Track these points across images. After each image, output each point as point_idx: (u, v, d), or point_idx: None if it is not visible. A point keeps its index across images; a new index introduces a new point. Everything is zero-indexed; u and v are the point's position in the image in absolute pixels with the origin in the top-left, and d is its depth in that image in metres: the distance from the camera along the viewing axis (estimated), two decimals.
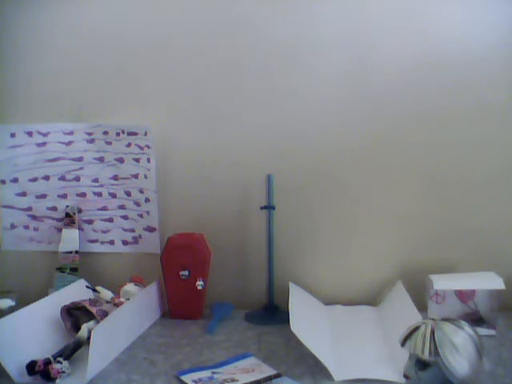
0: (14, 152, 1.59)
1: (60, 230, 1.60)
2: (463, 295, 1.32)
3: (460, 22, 1.45)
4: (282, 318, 1.32)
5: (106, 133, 1.57)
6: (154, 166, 1.55)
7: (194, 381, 1.10)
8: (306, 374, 1.12)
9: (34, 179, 1.60)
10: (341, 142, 1.52)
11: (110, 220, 1.62)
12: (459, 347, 0.89)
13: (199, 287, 1.45)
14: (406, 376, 0.94)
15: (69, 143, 1.59)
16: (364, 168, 1.52)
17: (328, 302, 1.52)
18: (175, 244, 1.47)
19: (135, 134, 1.55)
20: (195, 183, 1.57)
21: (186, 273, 1.46)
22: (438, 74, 1.46)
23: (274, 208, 1.49)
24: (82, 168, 1.60)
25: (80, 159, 1.59)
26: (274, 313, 1.48)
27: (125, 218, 1.61)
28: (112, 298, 1.37)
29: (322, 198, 1.54)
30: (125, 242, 1.62)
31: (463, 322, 0.93)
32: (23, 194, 1.62)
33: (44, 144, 1.59)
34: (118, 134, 1.57)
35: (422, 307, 1.29)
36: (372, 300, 1.52)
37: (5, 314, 1.21)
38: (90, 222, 1.62)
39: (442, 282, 1.34)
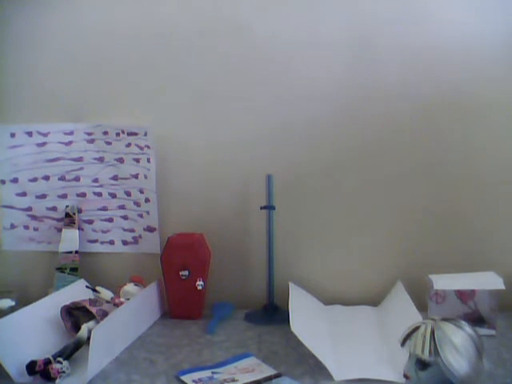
0: (14, 152, 1.59)
1: (60, 230, 1.60)
2: (463, 295, 1.32)
3: (461, 19, 1.45)
4: (282, 318, 1.31)
5: (105, 133, 1.57)
6: (153, 166, 1.55)
7: (194, 381, 1.10)
8: (306, 374, 1.12)
9: (34, 179, 1.60)
10: (341, 141, 1.52)
11: (110, 220, 1.62)
12: (459, 347, 0.89)
13: (199, 287, 1.45)
14: (405, 376, 0.94)
15: (69, 143, 1.59)
16: (364, 168, 1.52)
17: (328, 301, 1.52)
18: (175, 244, 1.47)
19: (135, 134, 1.55)
20: (195, 183, 1.57)
21: (186, 273, 1.46)
22: (437, 73, 1.46)
23: (274, 208, 1.49)
24: (81, 168, 1.60)
25: (80, 159, 1.59)
26: (273, 313, 1.48)
27: (125, 218, 1.61)
28: (112, 298, 1.37)
29: (321, 198, 1.54)
30: (125, 242, 1.62)
31: (463, 322, 0.93)
32: (23, 194, 1.62)
33: (44, 144, 1.59)
34: (117, 134, 1.56)
35: (422, 307, 1.29)
36: (372, 300, 1.52)
37: (5, 314, 1.21)
38: (90, 222, 1.62)
39: (442, 282, 1.34)
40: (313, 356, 1.12)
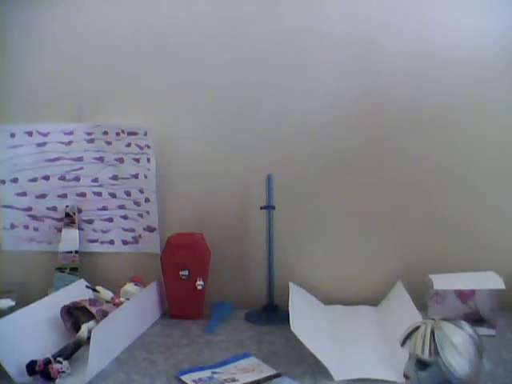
0: (14, 152, 1.59)
1: (60, 230, 1.60)
2: (463, 295, 1.32)
3: (461, 23, 1.44)
4: (282, 318, 1.32)
5: (105, 133, 1.57)
6: (153, 165, 1.55)
7: (194, 381, 1.10)
8: (306, 374, 1.12)
9: (34, 179, 1.60)
10: (341, 141, 1.51)
11: (110, 220, 1.61)
12: (459, 347, 0.89)
13: (199, 287, 1.45)
14: (405, 376, 0.94)
15: (69, 143, 1.59)
16: (364, 168, 1.52)
17: (328, 301, 1.52)
18: (175, 244, 1.47)
19: (135, 134, 1.55)
20: (195, 183, 1.57)
21: (186, 273, 1.46)
22: (439, 75, 1.46)
23: (273, 208, 1.49)
24: (81, 168, 1.60)
25: (80, 159, 1.59)
26: (273, 313, 1.48)
27: (125, 217, 1.61)
28: (112, 298, 1.37)
29: (321, 198, 1.54)
30: (125, 242, 1.62)
31: (463, 322, 0.93)
32: (23, 194, 1.61)
33: (44, 144, 1.59)
34: (117, 134, 1.56)
35: (422, 307, 1.29)
36: (372, 300, 1.52)
37: (5, 314, 1.21)
38: (90, 221, 1.62)
39: (442, 282, 1.34)
40: (313, 356, 1.12)
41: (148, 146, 1.54)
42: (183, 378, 1.11)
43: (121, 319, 1.26)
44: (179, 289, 1.46)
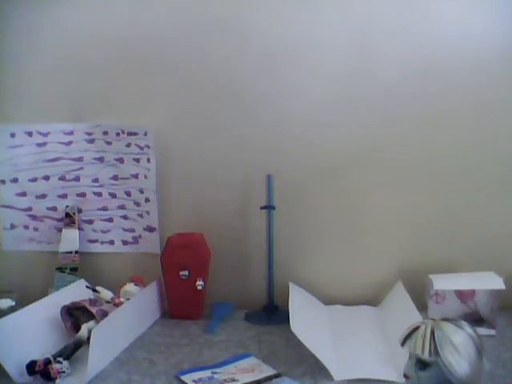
0: (14, 152, 1.59)
1: (60, 230, 1.60)
2: (463, 295, 1.32)
3: (460, 23, 1.44)
4: (282, 317, 1.32)
5: (105, 133, 1.57)
6: (153, 166, 1.55)
7: (194, 381, 1.10)
8: (306, 374, 1.12)
9: (34, 179, 1.60)
10: (341, 142, 1.51)
11: (110, 220, 1.62)
12: (459, 347, 0.89)
13: (199, 287, 1.45)
14: (405, 376, 0.94)
15: (69, 143, 1.59)
16: (364, 168, 1.52)
17: (328, 302, 1.52)
18: (175, 244, 1.47)
19: (135, 134, 1.55)
20: (195, 183, 1.57)
21: (186, 273, 1.46)
22: (438, 75, 1.46)
23: (273, 208, 1.49)
24: (81, 168, 1.60)
25: (80, 159, 1.59)
26: (273, 313, 1.48)
27: (125, 217, 1.61)
28: (112, 298, 1.37)
29: (321, 198, 1.54)
30: (125, 242, 1.62)
31: (463, 322, 0.93)
32: (23, 194, 1.61)
33: (44, 144, 1.59)
34: (117, 134, 1.56)
35: (422, 307, 1.29)
36: (372, 300, 1.52)
37: (5, 314, 1.21)
38: (90, 221, 1.62)
39: (442, 282, 1.34)
40: (313, 356, 1.12)
41: (148, 146, 1.54)
42: (183, 378, 1.11)
43: (121, 319, 1.26)
44: (179, 289, 1.46)
